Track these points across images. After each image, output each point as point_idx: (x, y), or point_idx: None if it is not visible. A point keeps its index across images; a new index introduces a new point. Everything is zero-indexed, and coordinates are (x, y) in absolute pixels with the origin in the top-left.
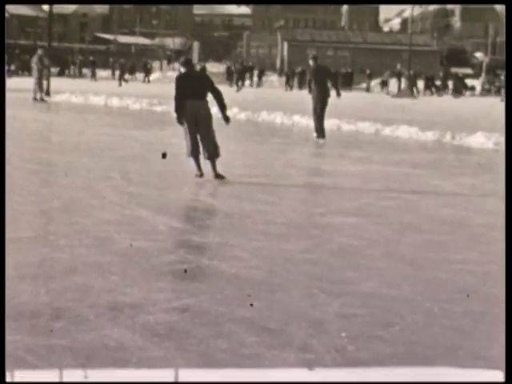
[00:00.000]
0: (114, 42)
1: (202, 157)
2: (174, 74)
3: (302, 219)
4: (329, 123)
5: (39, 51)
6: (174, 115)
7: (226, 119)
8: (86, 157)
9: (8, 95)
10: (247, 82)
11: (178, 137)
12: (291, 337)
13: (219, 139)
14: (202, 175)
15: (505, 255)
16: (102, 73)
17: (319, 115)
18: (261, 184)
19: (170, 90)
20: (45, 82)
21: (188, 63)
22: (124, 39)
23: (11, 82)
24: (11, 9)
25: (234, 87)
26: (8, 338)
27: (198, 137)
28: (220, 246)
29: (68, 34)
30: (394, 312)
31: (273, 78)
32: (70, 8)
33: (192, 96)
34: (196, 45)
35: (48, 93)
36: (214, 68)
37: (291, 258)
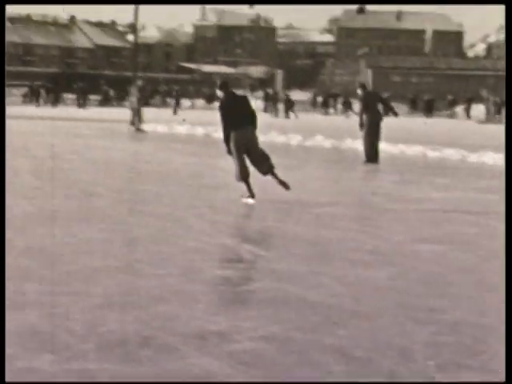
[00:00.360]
0: (197, 72)
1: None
2: (257, 103)
3: (388, 246)
4: (413, 150)
5: (139, 82)
6: (225, 147)
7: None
8: (171, 185)
9: (95, 125)
10: (331, 110)
11: None
12: (378, 365)
13: (306, 168)
14: (253, 196)
15: (505, 255)
16: (186, 102)
17: (373, 140)
18: (345, 211)
19: (273, 119)
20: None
21: (226, 86)
22: (208, 68)
23: (94, 112)
24: (97, 40)
25: (318, 114)
26: (96, 366)
27: (247, 160)
28: (305, 273)
29: (152, 63)
30: (482, 340)
31: (357, 106)
32: (154, 38)
33: (240, 124)
34: (279, 73)
35: (133, 123)
36: (298, 96)
37: (377, 285)
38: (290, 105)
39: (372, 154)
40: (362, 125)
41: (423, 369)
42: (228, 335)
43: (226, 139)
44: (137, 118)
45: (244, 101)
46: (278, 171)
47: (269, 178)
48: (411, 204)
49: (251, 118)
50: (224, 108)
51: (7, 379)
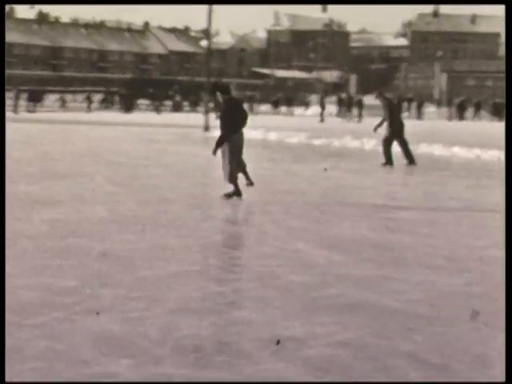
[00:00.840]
0: (271, 77)
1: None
2: (330, 108)
3: (464, 252)
4: (489, 154)
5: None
6: (215, 147)
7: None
8: (247, 191)
9: (169, 131)
10: (405, 114)
11: (339, 169)
12: (454, 371)
13: (378, 170)
14: (240, 195)
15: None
16: (261, 107)
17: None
18: (420, 216)
19: (329, 124)
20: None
21: (227, 90)
22: (281, 73)
23: (168, 117)
24: (171, 45)
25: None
26: (172, 371)
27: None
28: (381, 279)
29: (226, 69)
30: None
31: (431, 110)
32: (227, 43)
33: (240, 128)
34: (353, 77)
35: (207, 128)
36: (372, 101)
37: (453, 291)
38: (361, 109)
39: (387, 157)
40: (376, 129)
41: (499, 375)
42: (303, 341)
43: (222, 140)
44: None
45: (241, 105)
46: (350, 175)
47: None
48: (487, 209)
49: (246, 121)
50: (227, 111)
51: (7, 379)
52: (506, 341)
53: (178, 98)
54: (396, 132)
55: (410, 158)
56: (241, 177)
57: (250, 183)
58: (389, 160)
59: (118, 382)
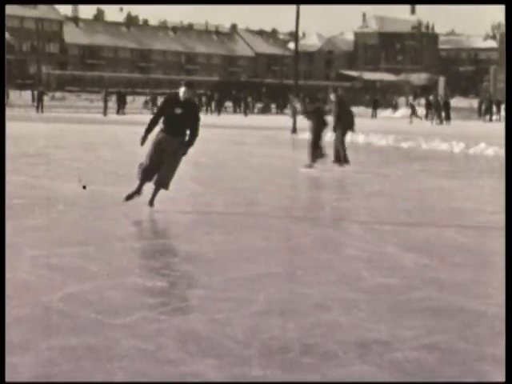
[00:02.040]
0: (358, 79)
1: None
2: (419, 110)
3: None
4: None
5: (301, 94)
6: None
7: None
8: (334, 194)
9: (257, 133)
10: (494, 117)
11: (426, 172)
12: None
13: (467, 173)
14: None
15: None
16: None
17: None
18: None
19: (415, 125)
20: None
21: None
22: (369, 75)
23: (256, 119)
24: (258, 48)
25: (481, 121)
26: (259, 372)
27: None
28: (470, 283)
29: (313, 71)
30: None
31: None
32: (315, 46)
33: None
34: (441, 80)
35: (295, 130)
36: (461, 103)
37: None
38: (448, 111)
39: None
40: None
41: None
42: (389, 343)
43: None
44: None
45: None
46: (439, 178)
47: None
48: None
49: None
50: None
51: (7, 379)
52: (505, 341)
53: (265, 100)
54: (346, 128)
55: (338, 157)
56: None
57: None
58: (344, 158)
59: (117, 382)
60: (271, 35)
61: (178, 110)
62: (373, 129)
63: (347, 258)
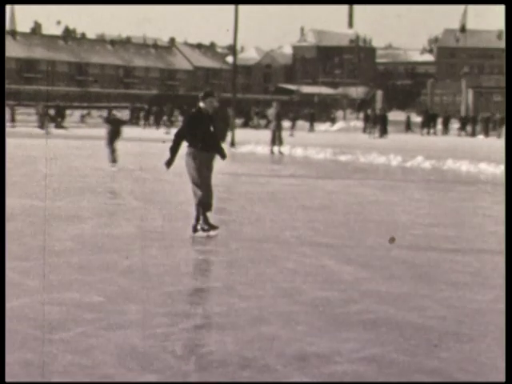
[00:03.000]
0: (296, 92)
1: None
2: (357, 124)
3: (490, 269)
4: None
5: (274, 104)
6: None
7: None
8: (271, 207)
9: None
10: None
11: (364, 185)
12: None
13: (404, 186)
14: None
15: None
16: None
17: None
18: (446, 232)
19: (353, 138)
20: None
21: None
22: (307, 89)
23: None
24: (196, 61)
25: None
26: None
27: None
28: (406, 295)
29: (252, 85)
30: None
31: (457, 126)
32: (253, 59)
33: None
34: (379, 93)
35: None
36: (398, 116)
37: (480, 307)
38: (385, 125)
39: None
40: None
41: None
42: (328, 356)
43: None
44: (277, 142)
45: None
46: (376, 191)
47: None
48: None
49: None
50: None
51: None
52: (505, 341)
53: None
54: None
55: None
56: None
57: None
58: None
59: (117, 382)
60: (209, 49)
61: (207, 123)
62: (310, 142)
63: (285, 272)
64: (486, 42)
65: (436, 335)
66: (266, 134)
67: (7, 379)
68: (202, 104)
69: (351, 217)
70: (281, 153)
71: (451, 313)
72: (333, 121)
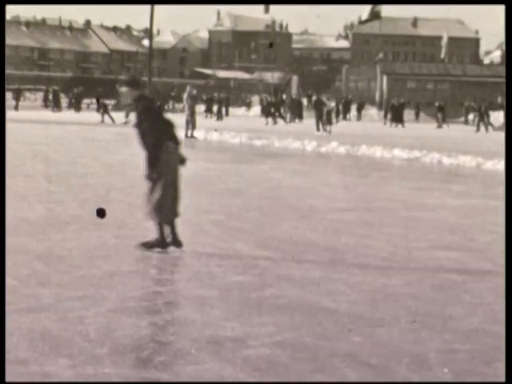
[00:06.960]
0: (213, 77)
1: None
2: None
3: (403, 253)
4: (429, 157)
5: (188, 87)
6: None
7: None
8: (186, 191)
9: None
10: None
11: (279, 170)
12: (393, 372)
13: (319, 171)
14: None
15: (505, 256)
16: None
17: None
18: (360, 217)
19: (270, 124)
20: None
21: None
22: (223, 74)
23: (118, 116)
24: (112, 44)
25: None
26: (111, 371)
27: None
28: (320, 280)
29: (167, 68)
30: (497, 348)
31: (372, 112)
32: (169, 43)
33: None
34: (295, 79)
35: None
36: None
37: (393, 292)
38: (300, 110)
39: None
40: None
41: (438, 376)
42: (242, 341)
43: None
44: (190, 126)
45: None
46: (291, 176)
47: None
48: (426, 211)
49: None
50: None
51: (7, 379)
52: (505, 341)
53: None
54: None
55: None
56: None
57: None
58: None
59: (116, 382)
60: (125, 32)
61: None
62: (226, 127)
63: (199, 256)
64: (400, 29)
65: (350, 320)
66: (182, 118)
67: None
68: (142, 92)
69: (266, 201)
70: (193, 137)
71: (364, 297)
72: (248, 105)
